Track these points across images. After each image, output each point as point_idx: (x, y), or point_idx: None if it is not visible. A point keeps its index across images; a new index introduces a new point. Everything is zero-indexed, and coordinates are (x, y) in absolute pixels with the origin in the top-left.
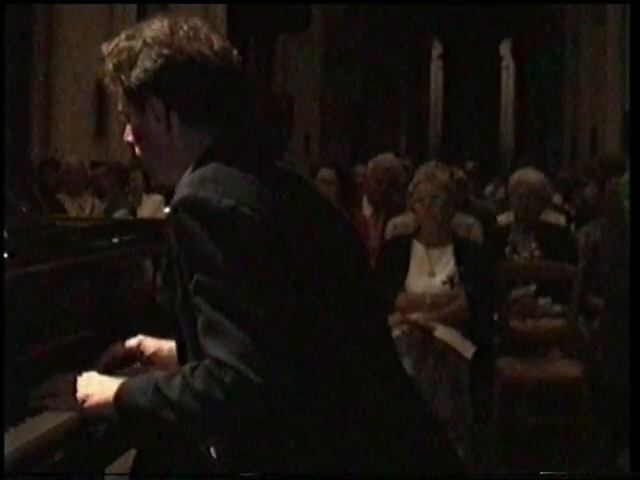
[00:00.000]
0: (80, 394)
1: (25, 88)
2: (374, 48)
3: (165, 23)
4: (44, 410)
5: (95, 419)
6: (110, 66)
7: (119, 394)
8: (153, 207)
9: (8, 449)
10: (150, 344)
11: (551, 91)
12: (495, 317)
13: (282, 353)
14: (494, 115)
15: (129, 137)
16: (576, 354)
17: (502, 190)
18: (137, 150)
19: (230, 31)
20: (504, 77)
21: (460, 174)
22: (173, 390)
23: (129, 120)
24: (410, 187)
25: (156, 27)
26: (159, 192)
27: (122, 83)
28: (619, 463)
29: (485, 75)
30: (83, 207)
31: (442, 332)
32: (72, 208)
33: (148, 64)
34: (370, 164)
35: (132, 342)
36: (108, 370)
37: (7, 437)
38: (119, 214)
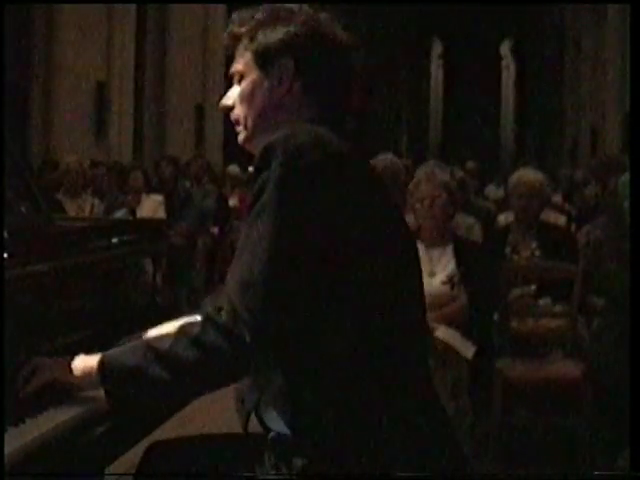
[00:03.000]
0: (62, 370)
1: (25, 88)
2: (374, 48)
3: (304, 5)
4: (43, 410)
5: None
6: (247, 26)
7: (103, 359)
8: (152, 207)
9: (8, 449)
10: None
11: (551, 91)
12: (495, 317)
13: (290, 304)
14: (494, 115)
15: (228, 101)
16: (576, 354)
17: (502, 190)
18: (238, 112)
19: None
20: (504, 77)
21: (460, 174)
22: (165, 343)
23: (240, 81)
24: (410, 187)
25: (294, 5)
26: (158, 192)
27: (255, 45)
28: (619, 463)
29: (485, 75)
30: (82, 207)
31: (442, 332)
32: (72, 208)
33: (291, 27)
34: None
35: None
36: None
37: (7, 437)
38: (119, 214)
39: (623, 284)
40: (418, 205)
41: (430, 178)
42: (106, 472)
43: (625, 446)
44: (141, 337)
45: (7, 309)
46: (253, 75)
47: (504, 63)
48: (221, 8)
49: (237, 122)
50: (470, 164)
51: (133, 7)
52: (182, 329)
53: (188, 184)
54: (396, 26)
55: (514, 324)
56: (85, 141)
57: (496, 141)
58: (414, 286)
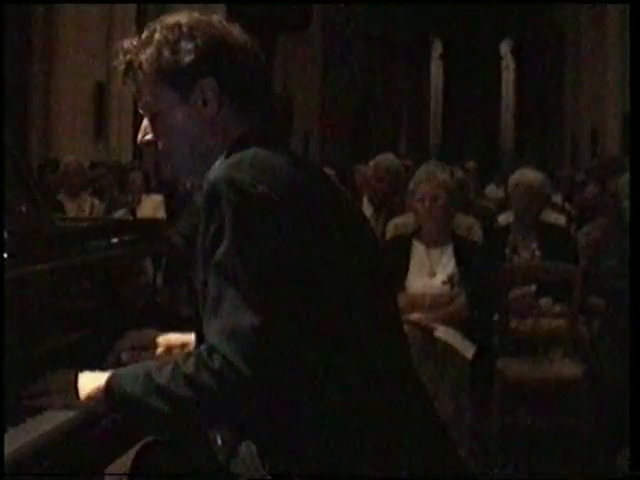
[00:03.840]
0: (72, 389)
1: (25, 88)
2: (374, 48)
3: (192, 13)
4: (43, 410)
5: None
6: (146, 55)
7: (109, 383)
8: (152, 207)
9: (8, 449)
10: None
11: (551, 91)
12: (495, 317)
13: (279, 346)
14: (494, 115)
15: (147, 136)
16: (576, 354)
17: (502, 190)
18: (165, 146)
19: None
20: (504, 77)
21: (460, 174)
22: (163, 376)
23: (155, 115)
24: (410, 187)
25: (186, 16)
26: (158, 192)
27: (164, 69)
28: (619, 463)
29: (485, 75)
30: (82, 207)
31: (442, 332)
32: (71, 208)
33: (199, 43)
34: (371, 164)
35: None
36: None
37: (7, 437)
38: (118, 214)
39: (623, 284)
40: (418, 205)
41: (430, 178)
42: (106, 472)
43: (625, 446)
44: (145, 334)
45: (7, 309)
46: (171, 103)
47: (504, 63)
48: (221, 8)
49: (165, 156)
50: (470, 164)
51: (133, 7)
52: (178, 364)
53: (188, 184)
54: (396, 26)
55: (514, 324)
56: (85, 141)
57: (496, 141)
58: (389, 294)
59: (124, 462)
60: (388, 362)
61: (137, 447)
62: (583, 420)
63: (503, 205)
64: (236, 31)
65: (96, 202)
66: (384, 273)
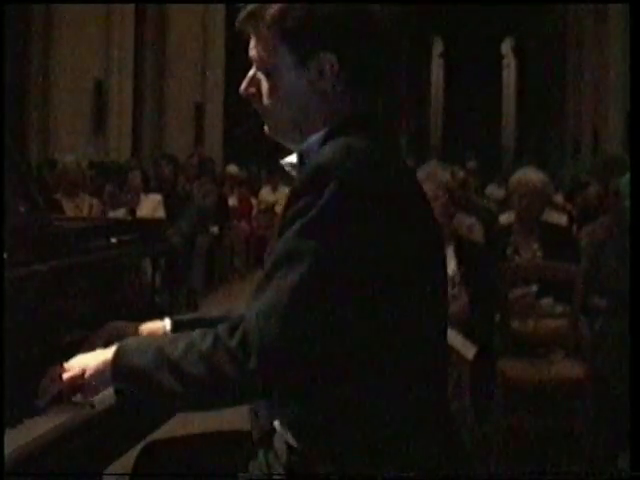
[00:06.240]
0: (76, 370)
1: (23, 88)
2: None
3: None
4: (43, 411)
5: (93, 392)
6: (273, 9)
7: (117, 354)
8: (151, 207)
9: (8, 449)
10: (146, 327)
11: (553, 90)
12: (496, 318)
13: (309, 341)
14: (495, 114)
15: (252, 88)
16: (578, 355)
17: (503, 190)
18: (270, 106)
19: (230, 31)
20: (505, 76)
21: (461, 173)
22: (177, 351)
23: (268, 71)
24: None
25: None
26: (157, 191)
27: (288, 29)
28: (619, 463)
29: (486, 74)
30: (81, 207)
31: None
32: (70, 208)
33: (331, 15)
34: None
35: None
36: None
37: (7, 437)
38: (117, 214)
39: (625, 284)
40: None
41: (431, 178)
42: (106, 472)
43: (625, 446)
44: (125, 325)
45: (7, 309)
46: (286, 65)
47: (505, 62)
48: (221, 8)
49: (266, 114)
50: (471, 164)
51: (131, 7)
52: (194, 340)
53: (187, 184)
54: (396, 25)
55: (515, 324)
56: (84, 140)
57: (497, 141)
58: (443, 308)
59: (124, 462)
60: (430, 367)
61: (137, 447)
62: (584, 421)
63: (504, 205)
64: (378, 9)
65: (95, 202)
66: (443, 281)
